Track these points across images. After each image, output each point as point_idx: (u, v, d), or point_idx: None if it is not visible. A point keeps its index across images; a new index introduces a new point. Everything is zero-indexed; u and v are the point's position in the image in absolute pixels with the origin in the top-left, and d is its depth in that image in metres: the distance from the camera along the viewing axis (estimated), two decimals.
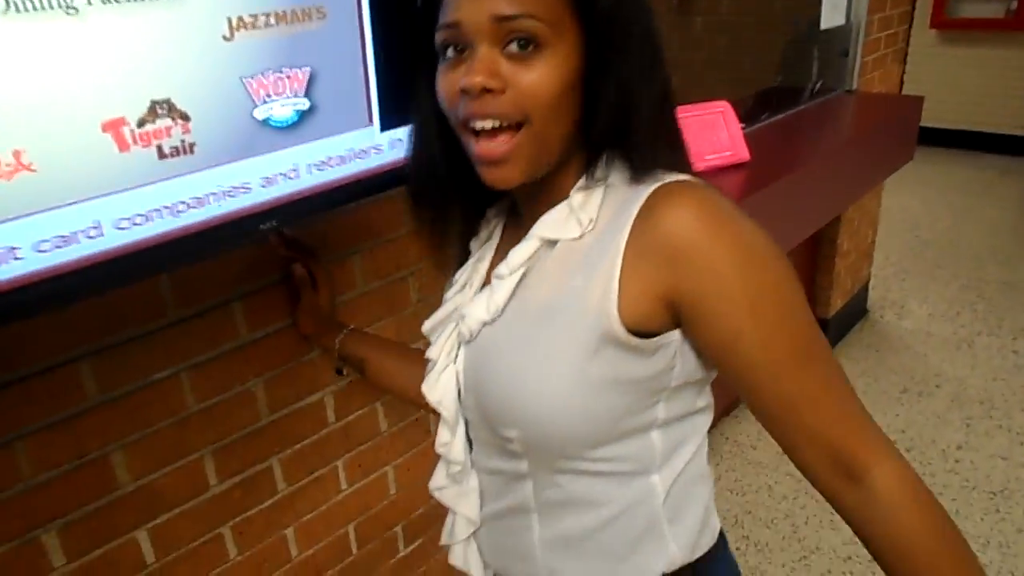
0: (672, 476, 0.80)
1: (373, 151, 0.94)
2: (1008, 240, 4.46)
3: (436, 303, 0.90)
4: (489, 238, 0.87)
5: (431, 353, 0.86)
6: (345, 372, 1.25)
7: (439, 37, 0.72)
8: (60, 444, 1.00)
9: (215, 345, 1.14)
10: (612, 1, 0.70)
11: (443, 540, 0.92)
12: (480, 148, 0.71)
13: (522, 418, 0.75)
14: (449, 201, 0.84)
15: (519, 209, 0.83)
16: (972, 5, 5.50)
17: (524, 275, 0.77)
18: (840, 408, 0.70)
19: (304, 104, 0.85)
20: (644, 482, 0.79)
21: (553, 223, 0.76)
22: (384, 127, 0.94)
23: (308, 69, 0.83)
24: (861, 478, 0.68)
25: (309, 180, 0.89)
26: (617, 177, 0.75)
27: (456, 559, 0.93)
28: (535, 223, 0.77)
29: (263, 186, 0.85)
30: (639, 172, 0.73)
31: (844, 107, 2.87)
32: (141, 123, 0.74)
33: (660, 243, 0.68)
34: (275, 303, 1.20)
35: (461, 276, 0.88)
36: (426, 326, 0.88)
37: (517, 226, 0.83)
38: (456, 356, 0.83)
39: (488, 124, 0.70)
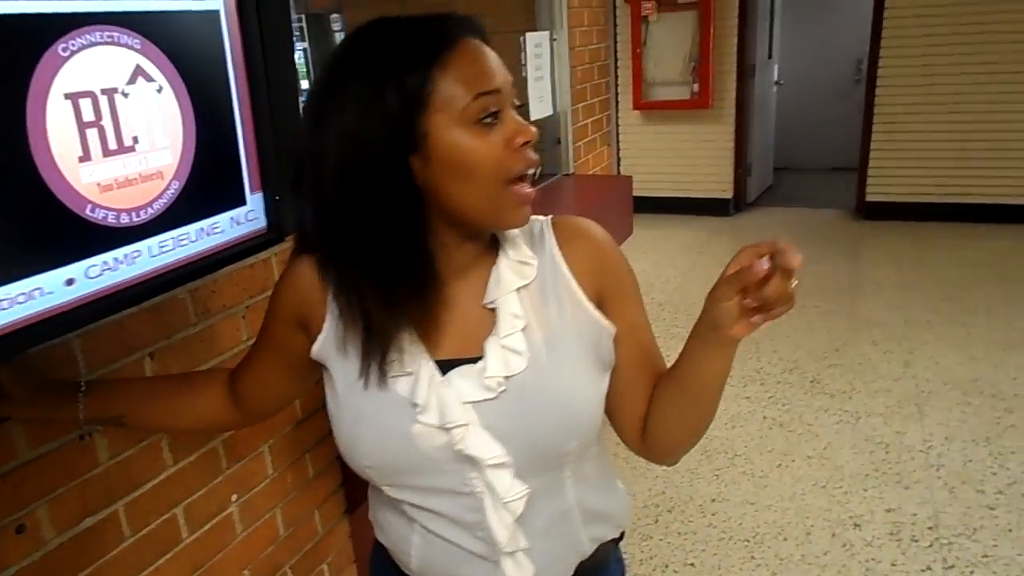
0: None
1: None
2: None
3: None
4: None
5: (455, 418, 0.88)
6: (88, 435, 1.10)
7: (480, 105, 0.81)
8: None
9: None
10: None
11: None
12: (528, 193, 0.86)
13: (578, 430, 0.91)
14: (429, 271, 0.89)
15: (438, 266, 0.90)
16: (663, 88, 6.16)
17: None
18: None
19: None
20: (600, 442, 1.02)
21: (510, 275, 0.91)
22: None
23: None
24: None
25: None
26: None
27: None
28: (469, 283, 0.91)
29: None
30: None
31: (565, 190, 3.03)
32: None
33: (590, 258, 0.93)
34: None
35: (396, 348, 0.89)
36: (419, 401, 0.88)
37: None
38: (467, 416, 0.88)
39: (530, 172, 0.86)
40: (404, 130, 0.80)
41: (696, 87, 5.99)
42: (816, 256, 5.42)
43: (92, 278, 0.85)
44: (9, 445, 1.08)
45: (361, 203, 0.83)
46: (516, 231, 0.93)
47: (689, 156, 6.42)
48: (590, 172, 3.35)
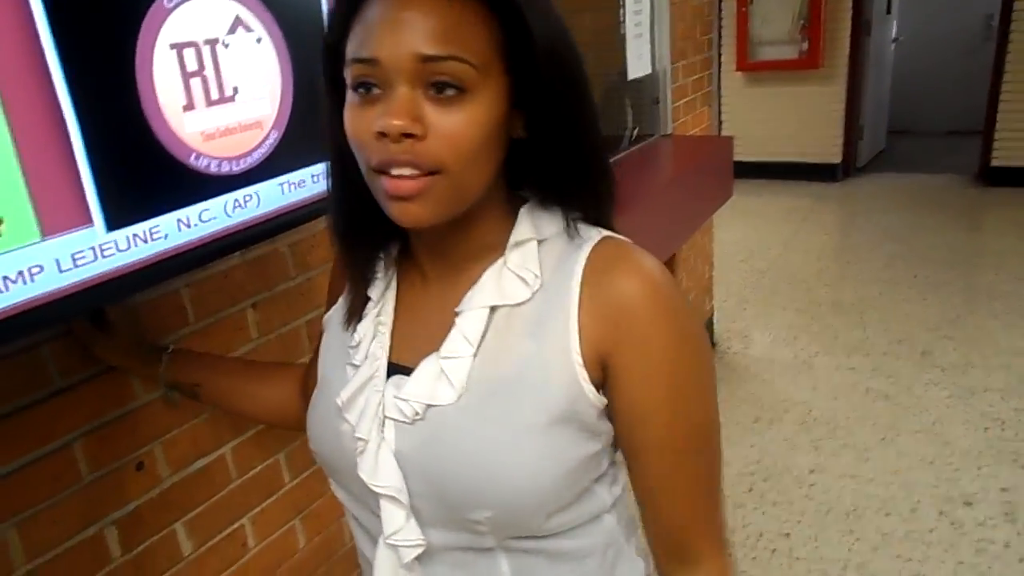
0: (619, 505, 0.82)
1: (99, 254, 0.79)
2: (832, 263, 4.74)
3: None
4: (387, 285, 0.81)
5: (361, 432, 0.75)
6: (175, 401, 1.12)
7: (352, 72, 0.66)
8: None
9: None
10: (545, 47, 0.66)
11: None
12: (390, 184, 0.66)
13: (494, 501, 0.70)
14: (372, 238, 0.79)
15: (422, 256, 0.79)
16: (769, 48, 5.93)
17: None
18: (703, 500, 0.75)
19: None
20: (603, 522, 0.79)
21: (496, 287, 0.73)
22: (114, 225, 0.80)
23: None
24: (691, 566, 0.76)
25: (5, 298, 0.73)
26: (547, 229, 0.74)
27: None
28: (463, 281, 0.74)
29: None
30: (571, 224, 0.74)
31: (662, 151, 2.96)
32: None
33: (611, 306, 0.69)
34: (25, 431, 1.03)
35: (363, 333, 0.79)
36: (342, 397, 0.78)
37: (420, 275, 0.80)
38: (383, 433, 0.75)
39: (406, 171, 0.65)
40: (333, 82, 0.71)
41: (805, 46, 5.73)
42: (930, 225, 5.14)
43: (196, 225, 0.89)
44: (128, 388, 1.15)
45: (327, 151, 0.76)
46: (534, 233, 0.74)
47: (795, 119, 6.17)
48: (689, 133, 3.26)
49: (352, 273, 0.81)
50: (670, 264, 3.13)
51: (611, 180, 0.76)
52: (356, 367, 0.79)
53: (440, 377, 0.73)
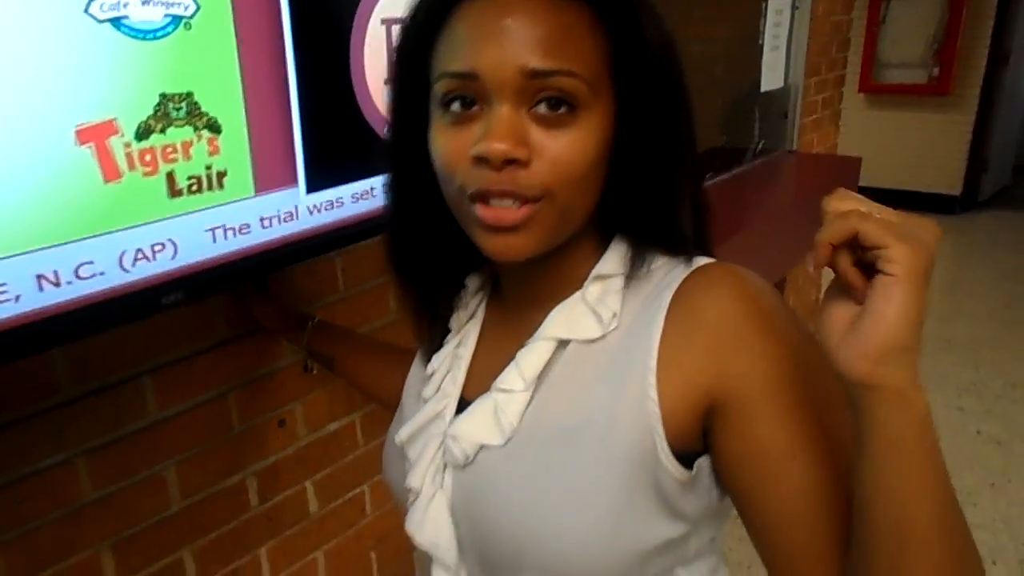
0: None
1: (297, 214, 0.84)
2: (944, 297, 4.55)
3: None
4: (471, 316, 0.74)
5: (412, 481, 0.68)
6: (311, 368, 1.15)
7: (444, 86, 0.58)
8: None
9: (117, 426, 1.01)
10: (655, 62, 0.59)
11: None
12: (489, 214, 0.58)
13: (536, 564, 0.61)
14: (435, 268, 0.71)
15: (507, 287, 0.71)
16: (897, 71, 5.72)
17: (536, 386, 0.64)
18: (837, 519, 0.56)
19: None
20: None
21: (567, 320, 0.64)
22: (313, 188, 0.84)
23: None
24: None
25: (221, 247, 0.78)
26: (638, 265, 0.64)
27: None
28: (543, 316, 0.65)
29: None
30: (666, 256, 0.64)
31: (786, 167, 2.90)
32: (142, 133, 0.61)
33: (701, 331, 0.57)
34: (191, 376, 1.09)
35: (438, 364, 0.73)
36: (401, 435, 0.71)
37: (505, 307, 0.71)
38: (443, 480, 0.67)
39: (508, 202, 0.57)
40: (406, 95, 0.64)
41: (936, 71, 5.50)
42: None
43: (372, 198, 0.92)
44: (279, 347, 1.21)
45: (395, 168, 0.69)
46: (621, 268, 0.64)
47: (916, 146, 5.93)
48: (813, 151, 3.19)
49: (417, 315, 0.74)
50: (779, 285, 3.06)
51: (710, 212, 0.68)
52: (424, 401, 0.73)
53: (495, 414, 0.64)
